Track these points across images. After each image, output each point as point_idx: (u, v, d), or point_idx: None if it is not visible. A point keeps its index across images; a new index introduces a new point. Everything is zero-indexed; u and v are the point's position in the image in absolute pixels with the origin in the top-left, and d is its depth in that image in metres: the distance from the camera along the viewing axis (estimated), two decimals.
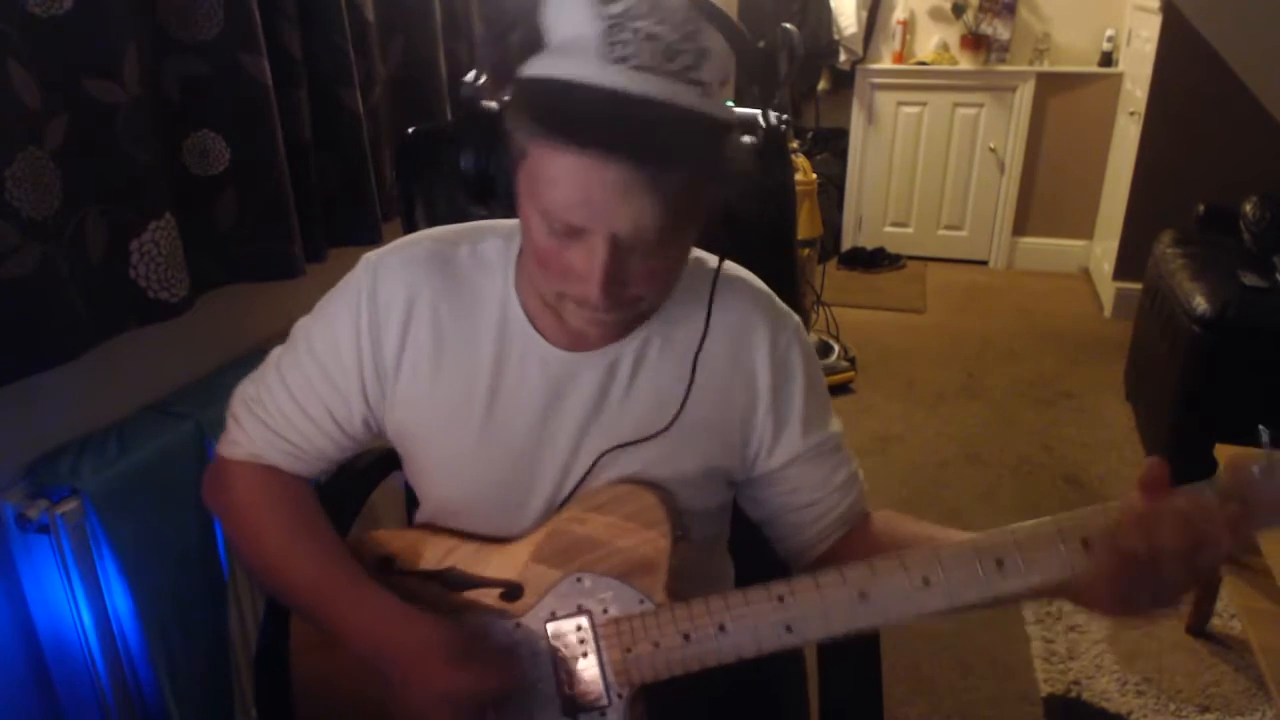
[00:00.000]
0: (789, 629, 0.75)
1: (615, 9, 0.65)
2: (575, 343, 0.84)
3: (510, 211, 0.78)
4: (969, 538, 0.73)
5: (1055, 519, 0.70)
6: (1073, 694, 1.82)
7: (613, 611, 0.81)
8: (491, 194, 0.77)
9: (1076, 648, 1.94)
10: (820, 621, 0.75)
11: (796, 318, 0.92)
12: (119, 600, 1.14)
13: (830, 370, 3.16)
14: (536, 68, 0.68)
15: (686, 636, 0.77)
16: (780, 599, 0.75)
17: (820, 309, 3.38)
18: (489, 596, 0.85)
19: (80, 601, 1.11)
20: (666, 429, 0.85)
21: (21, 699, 1.12)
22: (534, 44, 0.68)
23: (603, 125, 0.65)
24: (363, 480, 1.13)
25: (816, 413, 0.91)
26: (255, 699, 1.28)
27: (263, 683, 0.99)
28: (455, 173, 0.77)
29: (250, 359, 1.42)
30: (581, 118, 0.65)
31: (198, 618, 1.26)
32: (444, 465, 0.88)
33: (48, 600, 1.11)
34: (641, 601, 0.80)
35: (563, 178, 0.67)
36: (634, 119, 0.65)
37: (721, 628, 0.76)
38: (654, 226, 0.68)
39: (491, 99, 0.75)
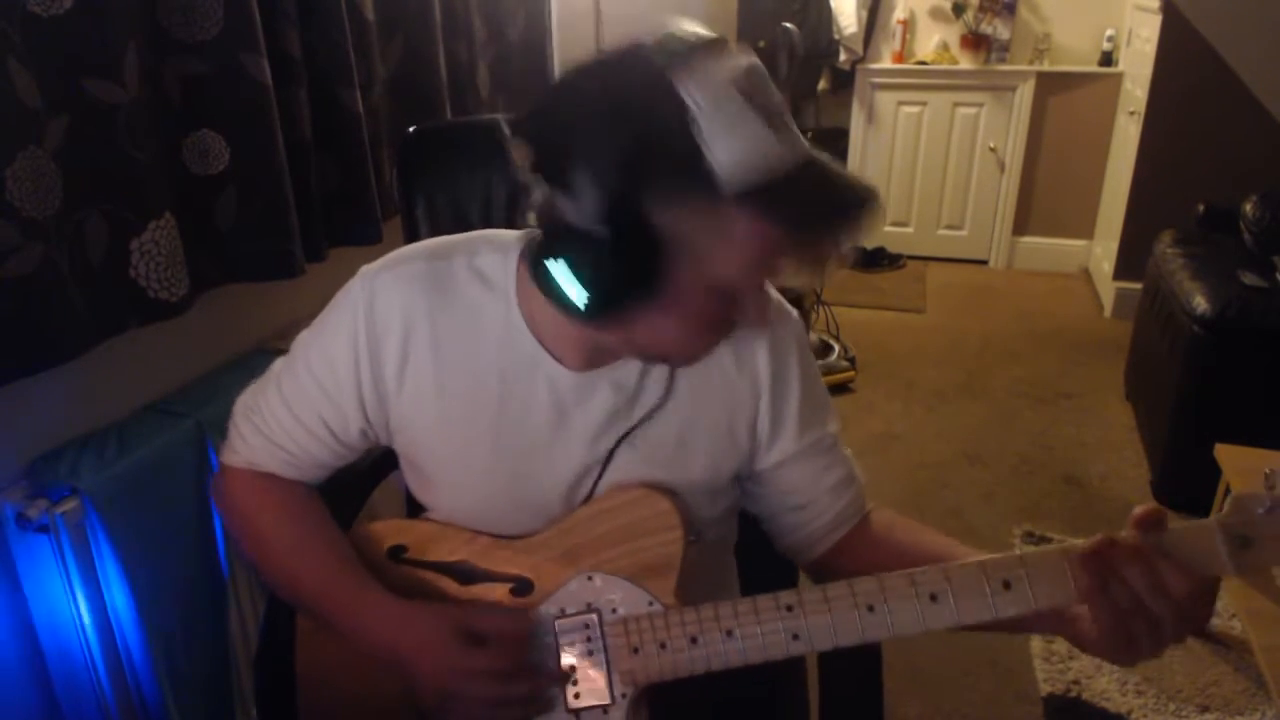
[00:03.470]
0: (795, 637, 0.76)
1: (755, 100, 0.65)
2: (586, 364, 0.84)
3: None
4: (975, 560, 0.74)
5: (1063, 546, 0.71)
6: (1073, 694, 1.82)
7: (621, 612, 0.81)
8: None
9: None
10: (827, 632, 0.75)
11: (796, 314, 0.92)
12: (119, 600, 1.14)
13: (830, 370, 3.16)
14: (727, 158, 0.64)
15: (694, 640, 0.78)
16: (789, 608, 0.76)
17: (820, 309, 3.38)
18: (499, 591, 0.86)
19: (80, 601, 1.11)
20: (662, 404, 0.85)
21: (21, 699, 1.12)
22: (690, 151, 0.64)
23: (822, 203, 0.67)
24: (363, 480, 1.13)
25: (812, 412, 0.91)
26: (255, 699, 1.29)
27: (263, 683, 0.99)
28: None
29: (250, 359, 1.43)
30: (807, 200, 0.67)
31: (198, 618, 1.26)
32: (454, 479, 0.89)
33: (48, 600, 1.11)
34: (651, 603, 0.81)
35: (767, 246, 0.69)
36: (826, 183, 0.68)
37: (729, 633, 0.77)
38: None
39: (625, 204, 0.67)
